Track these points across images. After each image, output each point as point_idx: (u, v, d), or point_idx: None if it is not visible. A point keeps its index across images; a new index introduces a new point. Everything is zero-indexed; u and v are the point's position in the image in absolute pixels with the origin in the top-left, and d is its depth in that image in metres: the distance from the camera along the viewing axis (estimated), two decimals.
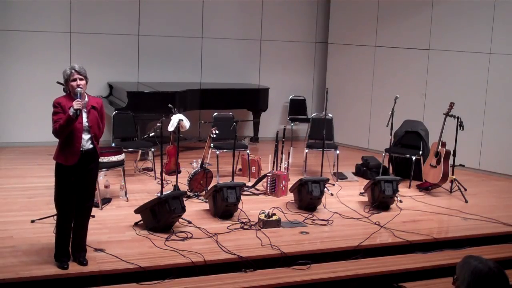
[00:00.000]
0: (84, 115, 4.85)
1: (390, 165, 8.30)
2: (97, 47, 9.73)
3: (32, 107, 9.35)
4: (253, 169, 8.09)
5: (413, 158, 8.15)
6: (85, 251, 5.08)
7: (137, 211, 6.04)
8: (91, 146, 4.90)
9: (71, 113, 4.68)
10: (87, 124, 4.86)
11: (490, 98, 8.98)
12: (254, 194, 7.45)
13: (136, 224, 6.02)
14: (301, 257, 5.54)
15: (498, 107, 8.93)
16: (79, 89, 4.80)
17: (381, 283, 2.62)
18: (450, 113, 7.73)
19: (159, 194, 6.24)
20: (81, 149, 4.83)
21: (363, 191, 7.46)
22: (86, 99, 4.89)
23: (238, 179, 7.60)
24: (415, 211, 7.03)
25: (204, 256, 5.29)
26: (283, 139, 7.79)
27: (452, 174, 7.79)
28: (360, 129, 10.56)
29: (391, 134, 7.92)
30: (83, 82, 4.86)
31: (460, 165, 8.23)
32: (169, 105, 7.57)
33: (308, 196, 6.74)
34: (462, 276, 2.81)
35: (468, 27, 9.15)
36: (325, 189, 7.02)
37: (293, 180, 7.28)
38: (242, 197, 6.67)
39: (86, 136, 4.86)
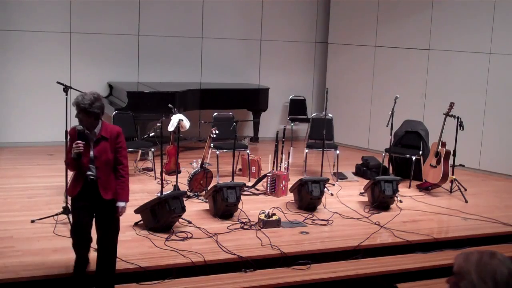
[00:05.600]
0: (92, 147, 4.53)
1: (390, 165, 8.29)
2: (97, 47, 9.73)
3: (32, 107, 9.36)
4: (253, 169, 8.09)
5: (413, 158, 8.15)
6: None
7: (137, 211, 6.04)
8: (96, 177, 4.54)
9: (72, 156, 4.47)
10: (92, 155, 4.52)
11: (490, 98, 8.98)
12: (254, 194, 7.45)
13: (136, 224, 6.02)
14: (301, 257, 5.55)
15: (498, 107, 8.92)
16: (78, 128, 4.48)
17: (371, 284, 2.62)
18: (450, 113, 7.73)
19: (159, 194, 6.24)
20: (89, 178, 4.53)
21: (363, 191, 7.45)
22: (97, 129, 4.51)
23: (238, 179, 7.60)
24: (415, 211, 7.03)
25: (204, 256, 5.29)
26: (283, 139, 7.79)
27: (452, 174, 7.79)
28: (360, 129, 10.56)
29: (391, 134, 7.92)
30: (81, 115, 4.45)
31: (460, 165, 8.23)
32: (169, 105, 7.57)
33: (308, 196, 6.74)
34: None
35: (468, 27, 9.15)
36: (325, 189, 7.02)
37: (293, 180, 7.28)
38: (242, 197, 6.67)
39: (93, 166, 4.54)
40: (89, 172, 4.52)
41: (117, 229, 4.75)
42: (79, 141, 4.43)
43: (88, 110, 4.41)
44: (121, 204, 4.60)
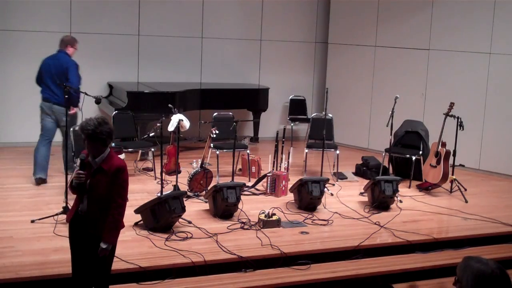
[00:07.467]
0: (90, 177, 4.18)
1: (390, 165, 8.29)
2: (97, 47, 9.72)
3: (32, 107, 9.30)
4: (253, 169, 8.09)
5: (413, 158, 8.15)
6: None
7: (137, 211, 6.04)
8: (85, 210, 4.21)
9: (73, 185, 4.20)
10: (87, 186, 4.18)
11: (490, 98, 8.98)
12: (254, 194, 7.45)
13: (136, 224, 6.02)
14: (301, 257, 5.55)
15: (498, 107, 8.92)
16: (80, 156, 4.20)
17: (371, 285, 2.64)
18: (450, 113, 7.73)
19: (159, 194, 6.24)
20: (79, 209, 4.21)
21: (363, 191, 7.45)
22: (99, 158, 4.15)
23: (238, 179, 7.60)
24: (415, 211, 7.03)
25: (204, 256, 5.29)
26: (283, 139, 7.79)
27: (452, 174, 7.78)
28: (360, 129, 10.55)
29: (391, 134, 7.92)
30: (87, 142, 4.13)
31: (460, 165, 8.23)
32: (169, 105, 7.57)
33: (308, 196, 6.74)
34: (465, 280, 2.82)
35: (468, 27, 9.15)
36: (325, 189, 7.02)
37: (293, 180, 7.28)
38: (242, 197, 6.67)
39: (85, 198, 4.21)
40: (81, 204, 4.19)
41: (105, 266, 4.27)
42: (80, 171, 4.14)
43: (92, 136, 4.07)
44: (103, 245, 4.11)
